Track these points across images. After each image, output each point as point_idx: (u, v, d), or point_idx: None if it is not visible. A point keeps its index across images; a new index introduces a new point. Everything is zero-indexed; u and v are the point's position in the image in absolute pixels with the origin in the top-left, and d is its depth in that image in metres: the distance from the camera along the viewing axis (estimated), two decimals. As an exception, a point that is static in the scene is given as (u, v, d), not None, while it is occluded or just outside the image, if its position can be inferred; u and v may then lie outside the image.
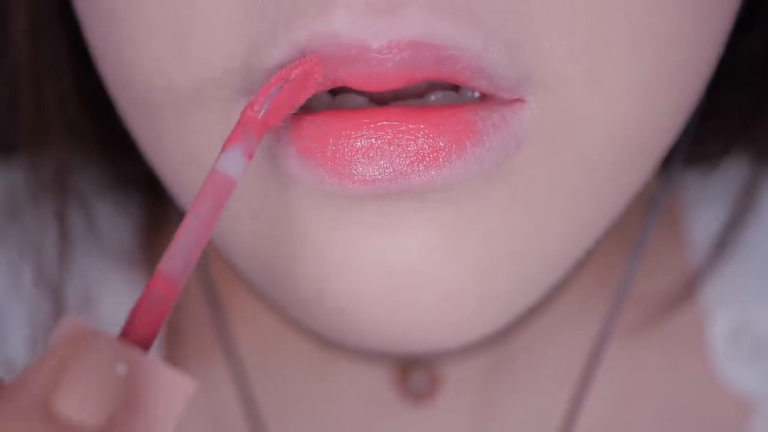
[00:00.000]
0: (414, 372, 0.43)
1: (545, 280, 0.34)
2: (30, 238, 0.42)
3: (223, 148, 0.28)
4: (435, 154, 0.29)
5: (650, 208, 0.42)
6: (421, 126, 0.29)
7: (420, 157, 0.29)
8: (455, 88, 0.31)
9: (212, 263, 0.44)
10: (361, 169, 0.29)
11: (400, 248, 0.31)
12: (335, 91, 0.31)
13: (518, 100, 0.30)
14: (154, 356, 0.36)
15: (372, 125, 0.29)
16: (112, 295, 0.44)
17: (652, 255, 0.44)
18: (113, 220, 0.45)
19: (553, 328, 0.43)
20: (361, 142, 0.29)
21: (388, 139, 0.29)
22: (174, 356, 0.44)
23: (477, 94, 0.31)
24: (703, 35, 0.32)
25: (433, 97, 0.31)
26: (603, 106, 0.31)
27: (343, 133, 0.29)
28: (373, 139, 0.29)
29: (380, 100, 0.31)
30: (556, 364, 0.43)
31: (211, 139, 0.31)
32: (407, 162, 0.29)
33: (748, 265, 0.44)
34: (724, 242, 0.44)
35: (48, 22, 0.40)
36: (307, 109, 0.31)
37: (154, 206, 0.45)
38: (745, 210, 0.44)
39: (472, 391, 0.43)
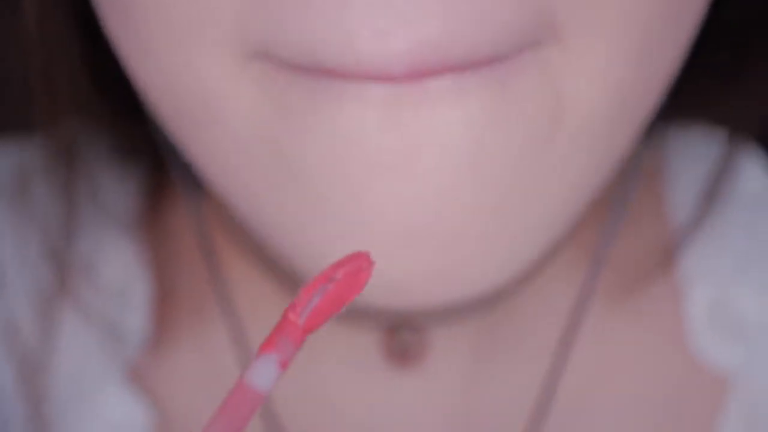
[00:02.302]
0: (401, 335, 0.44)
1: (548, 231, 0.35)
2: (38, 208, 0.44)
3: (257, 355, 0.26)
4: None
5: (628, 173, 0.44)
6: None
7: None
8: None
9: (211, 225, 0.46)
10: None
11: (416, 187, 0.32)
12: None
13: (520, 51, 0.32)
14: None
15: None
16: (114, 260, 0.46)
17: (632, 220, 0.45)
18: (117, 188, 0.47)
19: (537, 294, 0.45)
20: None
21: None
22: (170, 315, 0.46)
23: None
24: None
25: None
26: (602, 71, 0.32)
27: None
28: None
29: None
30: (539, 330, 0.45)
31: (221, 66, 0.33)
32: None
33: (726, 241, 0.45)
34: (703, 209, 0.45)
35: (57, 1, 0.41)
36: None
37: (158, 174, 0.47)
38: (723, 177, 0.45)
39: (458, 356, 0.44)
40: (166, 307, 0.46)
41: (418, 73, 0.30)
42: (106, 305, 0.45)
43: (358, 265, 0.27)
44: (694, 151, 0.47)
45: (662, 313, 0.45)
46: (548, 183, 0.34)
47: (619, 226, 0.43)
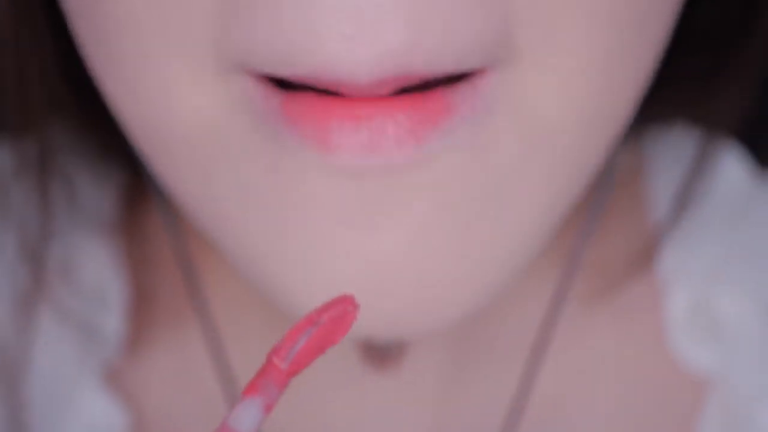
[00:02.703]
0: (378, 340, 0.45)
1: (523, 257, 0.35)
2: (13, 211, 0.44)
3: (241, 398, 0.27)
4: (410, 131, 0.31)
5: (605, 173, 0.43)
6: (399, 114, 0.31)
7: (396, 136, 0.31)
8: None
9: (187, 228, 0.45)
10: (344, 140, 0.31)
11: (379, 242, 0.33)
12: None
13: (482, 71, 0.32)
14: None
15: (353, 117, 0.31)
16: (91, 262, 0.46)
17: (609, 220, 0.46)
18: (93, 190, 0.46)
19: (513, 297, 0.45)
20: (342, 129, 0.31)
21: (367, 128, 0.31)
22: (146, 317, 0.46)
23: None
24: (658, 10, 0.33)
25: None
26: (563, 83, 0.32)
27: (326, 119, 0.31)
28: (354, 127, 0.31)
29: None
30: (516, 333, 0.45)
31: (202, 108, 0.33)
32: (387, 139, 0.31)
33: (705, 240, 0.46)
34: (682, 206, 0.45)
35: (29, 3, 0.41)
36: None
37: (133, 176, 0.47)
38: (701, 176, 0.45)
39: (435, 359, 0.44)
40: (142, 309, 0.46)
41: (383, 83, 0.30)
42: (82, 308, 0.45)
43: (344, 308, 0.27)
44: (673, 151, 0.47)
45: (641, 314, 0.45)
46: (519, 208, 0.34)
47: (596, 228, 0.43)
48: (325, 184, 0.32)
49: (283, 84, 0.33)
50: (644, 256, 0.45)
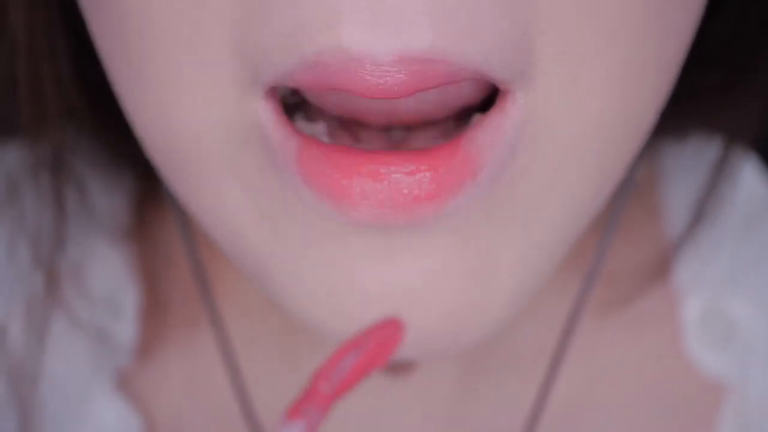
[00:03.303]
0: None
1: (542, 280, 0.35)
2: (27, 215, 0.43)
3: (283, 421, 0.27)
4: (435, 196, 0.31)
5: (622, 185, 0.43)
6: (424, 172, 0.30)
7: (418, 199, 0.31)
8: None
9: (199, 234, 0.45)
10: (361, 205, 0.30)
11: (401, 279, 0.32)
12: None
13: (508, 92, 0.31)
14: None
15: (371, 176, 0.30)
16: (104, 268, 0.45)
17: (625, 231, 0.45)
18: (106, 195, 0.46)
19: (529, 307, 0.44)
20: (359, 186, 0.30)
21: (386, 186, 0.30)
22: (159, 324, 0.46)
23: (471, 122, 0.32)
24: (674, 27, 0.33)
25: (431, 133, 0.33)
26: (584, 102, 0.32)
27: (343, 178, 0.31)
28: (372, 186, 0.30)
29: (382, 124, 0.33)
30: (532, 341, 0.45)
31: (217, 124, 0.32)
32: (407, 201, 0.30)
33: (720, 249, 0.46)
34: (699, 217, 0.45)
35: (45, 7, 0.40)
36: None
37: (146, 181, 0.46)
38: (718, 187, 0.45)
39: (448, 368, 0.44)
40: (155, 315, 0.46)
41: (402, 62, 0.29)
42: (95, 313, 0.45)
43: (390, 332, 0.27)
44: (688, 163, 0.47)
45: (657, 322, 0.46)
46: (541, 232, 0.34)
47: (613, 238, 0.43)
48: (344, 230, 0.32)
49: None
50: (660, 267, 0.45)
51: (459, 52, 0.29)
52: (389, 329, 0.27)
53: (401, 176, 0.30)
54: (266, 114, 0.31)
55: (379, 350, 0.27)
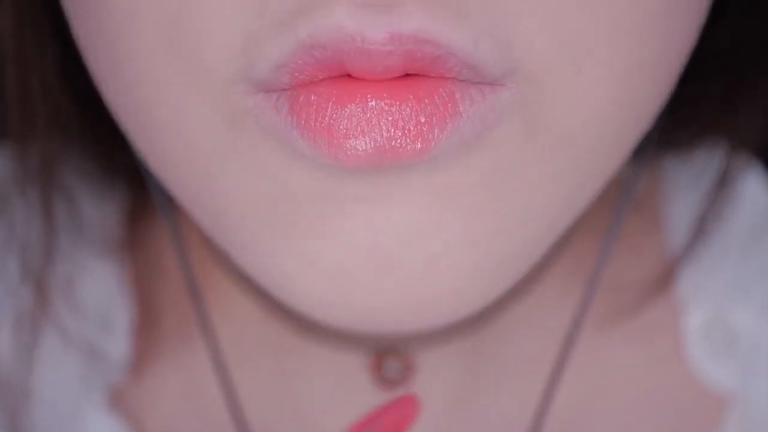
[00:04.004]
0: (388, 359, 0.44)
1: (527, 258, 0.35)
2: (15, 228, 0.43)
3: None
4: (418, 128, 0.31)
5: (623, 195, 0.43)
6: (407, 102, 0.31)
7: (405, 132, 0.31)
8: None
9: (191, 246, 0.45)
10: (353, 142, 0.31)
11: (389, 220, 0.32)
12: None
13: (500, 84, 0.31)
14: None
15: (361, 104, 0.31)
16: (95, 283, 0.45)
17: (627, 242, 0.45)
18: (96, 208, 0.46)
19: (527, 316, 0.44)
20: (349, 120, 0.31)
21: (376, 115, 0.31)
22: (151, 338, 0.45)
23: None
24: (678, 26, 0.33)
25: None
26: (583, 94, 0.32)
27: (333, 111, 0.31)
28: (363, 116, 0.31)
29: None
30: (530, 353, 0.44)
31: (208, 129, 0.32)
32: (394, 135, 0.31)
33: (724, 259, 0.45)
34: (701, 229, 0.45)
35: (33, 16, 0.40)
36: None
37: (138, 194, 0.46)
38: (720, 198, 0.45)
39: (445, 379, 0.44)
40: (148, 330, 0.45)
41: (395, 40, 0.30)
42: (86, 328, 0.44)
43: (404, 412, 0.26)
44: (691, 175, 0.47)
45: (659, 333, 0.45)
46: (526, 204, 0.33)
47: (615, 249, 0.43)
48: (336, 182, 0.32)
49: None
50: (662, 278, 0.45)
51: (448, 34, 0.30)
52: (404, 407, 0.26)
53: (389, 110, 0.31)
54: (258, 105, 0.32)
55: (392, 429, 0.26)
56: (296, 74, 0.31)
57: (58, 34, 0.40)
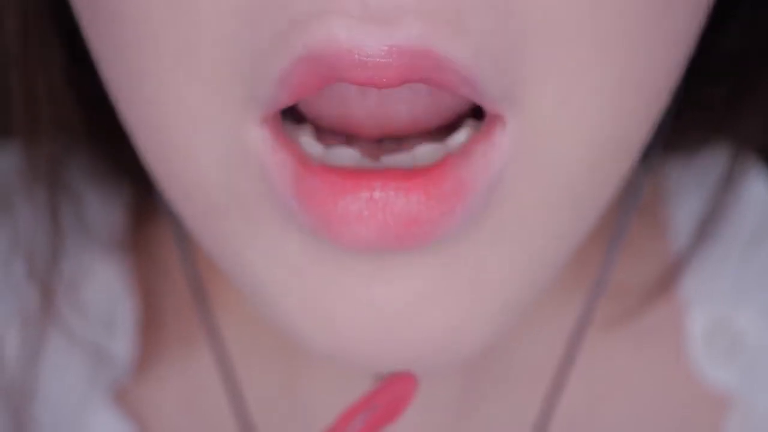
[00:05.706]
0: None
1: (533, 295, 0.35)
2: (21, 229, 0.43)
3: None
4: (427, 220, 0.31)
5: (627, 199, 0.43)
6: (413, 192, 0.30)
7: (412, 222, 0.31)
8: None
9: (195, 249, 0.45)
10: (355, 227, 0.30)
11: (391, 296, 0.32)
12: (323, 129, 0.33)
13: (498, 117, 0.31)
14: None
15: (365, 194, 0.31)
16: (100, 283, 0.45)
17: (631, 245, 0.45)
18: (101, 209, 0.46)
19: (531, 320, 0.44)
20: (355, 206, 0.30)
21: (381, 207, 0.30)
22: (156, 339, 0.45)
23: (462, 138, 0.32)
24: (670, 38, 0.33)
25: (422, 149, 0.32)
26: (574, 121, 0.31)
27: (339, 199, 0.31)
28: (366, 207, 0.30)
29: (372, 138, 0.33)
30: (534, 356, 0.44)
31: (217, 150, 0.32)
32: (400, 226, 0.31)
33: (727, 262, 0.45)
34: (705, 232, 0.45)
35: (39, 17, 0.40)
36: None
37: (143, 196, 0.46)
38: (724, 200, 0.45)
39: (450, 384, 0.44)
40: (152, 330, 0.45)
41: (392, 53, 0.29)
42: (91, 328, 0.44)
43: (402, 389, 0.26)
44: (695, 176, 0.47)
45: (662, 335, 0.45)
46: (530, 248, 0.33)
47: (618, 252, 0.43)
48: (337, 253, 0.32)
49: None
50: (665, 281, 0.45)
51: (446, 46, 0.29)
52: (402, 385, 0.26)
53: (394, 196, 0.30)
54: (262, 139, 0.32)
55: (391, 408, 0.26)
56: (294, 89, 0.30)
57: (65, 35, 0.40)
